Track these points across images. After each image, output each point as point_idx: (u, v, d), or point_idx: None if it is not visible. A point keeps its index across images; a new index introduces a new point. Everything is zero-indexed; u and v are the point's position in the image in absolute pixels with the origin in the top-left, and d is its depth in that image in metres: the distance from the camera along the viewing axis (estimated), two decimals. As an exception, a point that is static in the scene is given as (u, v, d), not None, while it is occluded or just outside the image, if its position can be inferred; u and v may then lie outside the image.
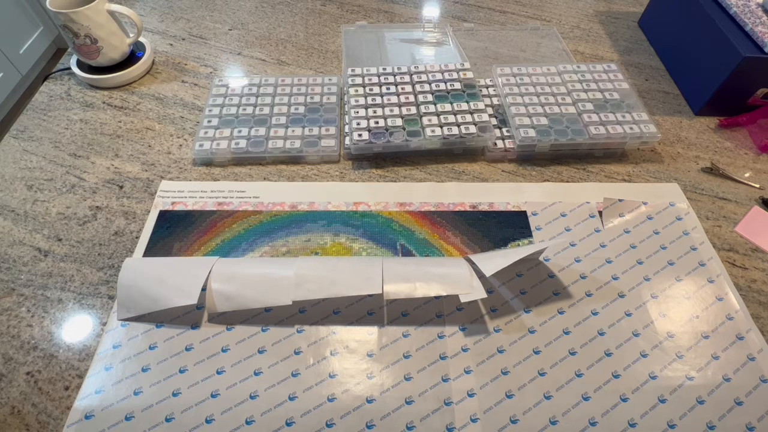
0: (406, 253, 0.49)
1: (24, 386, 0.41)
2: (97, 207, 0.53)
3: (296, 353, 0.42)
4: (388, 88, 0.62)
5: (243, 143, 0.58)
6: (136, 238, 0.51)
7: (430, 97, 0.61)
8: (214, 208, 0.53)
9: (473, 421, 0.39)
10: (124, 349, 0.42)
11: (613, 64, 0.66)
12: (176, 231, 0.51)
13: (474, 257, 0.44)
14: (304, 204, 0.54)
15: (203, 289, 0.43)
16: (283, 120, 0.61)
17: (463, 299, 0.41)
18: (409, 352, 0.43)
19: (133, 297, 0.44)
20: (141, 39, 0.70)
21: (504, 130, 0.60)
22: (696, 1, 0.65)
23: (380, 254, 0.49)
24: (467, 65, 0.65)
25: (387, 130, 0.57)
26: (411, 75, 0.64)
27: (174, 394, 0.40)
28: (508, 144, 0.59)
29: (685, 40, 0.68)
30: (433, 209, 0.53)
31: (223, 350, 0.43)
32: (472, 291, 0.42)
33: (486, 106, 0.61)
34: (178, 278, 0.44)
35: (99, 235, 0.51)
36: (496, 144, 0.58)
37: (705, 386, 0.41)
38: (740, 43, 0.57)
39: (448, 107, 0.59)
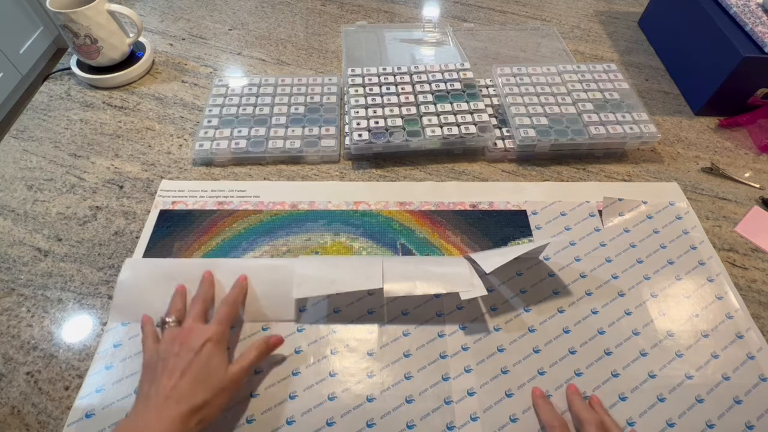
0: (407, 252, 0.49)
1: (24, 386, 0.41)
2: (97, 207, 0.53)
3: (297, 352, 0.42)
4: (388, 88, 0.62)
5: (243, 143, 0.58)
6: (136, 238, 0.51)
7: (430, 97, 0.61)
8: (215, 208, 0.53)
9: (473, 419, 0.39)
10: (124, 348, 0.42)
11: (613, 64, 0.66)
12: (176, 230, 0.51)
13: (474, 255, 0.45)
14: (304, 203, 0.54)
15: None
16: (283, 120, 0.61)
17: (464, 296, 0.41)
18: (410, 350, 0.43)
19: (133, 297, 0.44)
20: (141, 39, 0.70)
21: (504, 130, 0.60)
22: (696, 1, 0.65)
23: (380, 253, 0.49)
24: (467, 65, 0.65)
25: (387, 130, 0.57)
26: (411, 75, 0.64)
27: (174, 394, 0.40)
28: (508, 144, 0.59)
29: (685, 40, 0.69)
30: (433, 209, 0.53)
31: (224, 349, 0.43)
32: (473, 288, 0.42)
33: (486, 106, 0.61)
34: (177, 281, 0.44)
35: (99, 235, 0.51)
36: (496, 144, 0.59)
37: (704, 385, 0.41)
38: (740, 43, 0.57)
39: (448, 107, 0.59)
